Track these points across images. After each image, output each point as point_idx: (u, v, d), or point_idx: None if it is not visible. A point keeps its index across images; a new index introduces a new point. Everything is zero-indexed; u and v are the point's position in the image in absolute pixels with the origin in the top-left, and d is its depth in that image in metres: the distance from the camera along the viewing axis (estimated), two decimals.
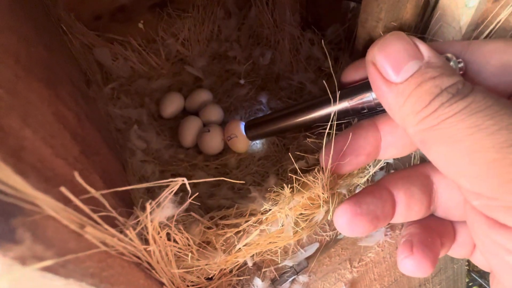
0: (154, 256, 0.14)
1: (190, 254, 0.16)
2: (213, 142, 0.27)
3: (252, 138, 0.26)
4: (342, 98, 0.19)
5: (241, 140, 0.27)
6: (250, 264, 0.21)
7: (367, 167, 0.23)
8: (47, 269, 0.07)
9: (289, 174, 0.22)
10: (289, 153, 0.22)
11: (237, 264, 0.21)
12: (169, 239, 0.15)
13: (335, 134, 0.18)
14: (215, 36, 0.35)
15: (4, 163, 0.07)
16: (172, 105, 0.30)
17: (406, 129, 0.14)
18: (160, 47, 0.32)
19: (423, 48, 0.14)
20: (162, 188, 0.14)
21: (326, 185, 0.20)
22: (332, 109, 0.19)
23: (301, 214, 0.21)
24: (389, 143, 0.17)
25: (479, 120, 0.11)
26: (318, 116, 0.20)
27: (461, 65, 0.15)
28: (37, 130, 0.10)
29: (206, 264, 0.17)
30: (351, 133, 0.17)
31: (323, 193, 0.20)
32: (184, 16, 0.33)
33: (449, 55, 0.15)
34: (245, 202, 0.21)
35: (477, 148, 0.11)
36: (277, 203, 0.20)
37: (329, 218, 0.23)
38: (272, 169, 0.26)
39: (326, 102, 0.20)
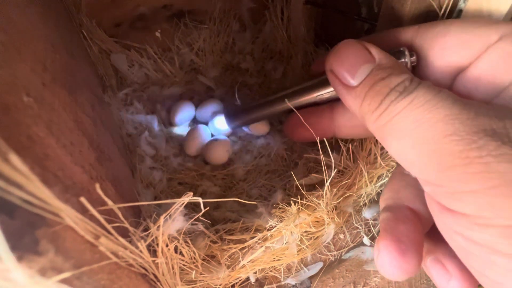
0: (160, 268, 0.14)
1: (195, 269, 0.16)
2: (219, 151, 0.27)
3: (232, 125, 0.28)
4: (308, 92, 0.21)
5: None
6: (252, 280, 0.21)
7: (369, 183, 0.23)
8: (63, 281, 0.07)
9: (296, 191, 0.22)
10: (292, 172, 0.23)
11: (240, 280, 0.20)
12: (175, 252, 0.15)
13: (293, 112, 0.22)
14: (229, 48, 0.35)
15: (32, 174, 0.07)
16: (183, 113, 0.31)
17: (368, 127, 0.15)
18: (175, 56, 0.33)
19: (374, 51, 0.15)
20: (169, 197, 0.14)
21: (328, 204, 0.20)
22: (304, 99, 0.22)
23: (306, 231, 0.21)
24: (341, 123, 0.21)
25: (420, 114, 0.12)
26: (293, 106, 0.22)
27: (413, 58, 0.16)
28: (59, 137, 0.11)
29: (210, 279, 0.17)
30: (305, 111, 0.20)
31: (327, 214, 0.20)
32: (201, 27, 0.33)
33: (402, 48, 0.16)
34: (251, 217, 0.21)
35: (420, 141, 0.12)
36: (282, 219, 0.20)
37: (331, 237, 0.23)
38: (280, 183, 0.26)
39: (299, 93, 0.22)
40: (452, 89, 0.15)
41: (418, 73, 0.17)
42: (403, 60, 0.16)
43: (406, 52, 0.16)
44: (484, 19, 0.15)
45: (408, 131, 0.12)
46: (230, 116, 0.27)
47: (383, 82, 0.14)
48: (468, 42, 0.14)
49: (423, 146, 0.12)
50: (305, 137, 0.23)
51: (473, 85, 0.14)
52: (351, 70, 0.15)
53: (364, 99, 0.14)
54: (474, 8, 0.17)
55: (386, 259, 0.13)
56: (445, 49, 0.15)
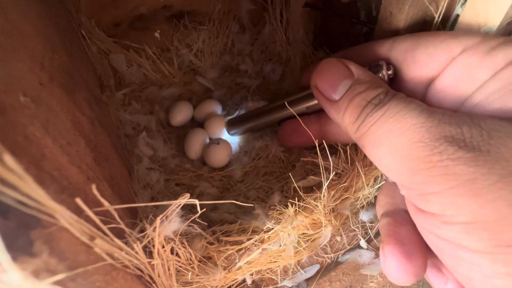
0: (156, 270, 0.14)
1: (191, 271, 0.15)
2: (220, 155, 0.27)
3: (232, 133, 0.29)
4: (299, 103, 0.23)
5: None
6: (249, 282, 0.21)
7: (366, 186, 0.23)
8: (57, 282, 0.07)
9: (293, 193, 0.22)
10: (290, 173, 0.23)
11: (236, 281, 0.20)
12: (171, 253, 0.15)
13: (286, 121, 0.25)
14: (228, 50, 0.35)
15: (27, 175, 0.07)
16: (181, 113, 0.31)
17: (351, 136, 0.16)
18: (174, 57, 0.33)
19: (353, 67, 0.16)
20: (166, 198, 0.14)
21: (325, 206, 0.20)
22: (295, 109, 0.24)
23: (303, 233, 0.21)
24: (328, 131, 0.23)
25: (391, 125, 0.13)
26: (286, 115, 0.25)
27: (390, 71, 0.17)
28: (56, 138, 0.10)
29: (206, 281, 0.17)
30: (294, 121, 0.22)
31: (324, 216, 0.20)
32: (200, 28, 0.33)
33: (380, 62, 0.17)
34: (248, 218, 0.21)
35: (393, 148, 0.13)
36: (280, 221, 0.20)
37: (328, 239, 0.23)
38: (277, 185, 0.26)
39: (292, 104, 0.24)
40: (425, 99, 0.16)
41: (396, 84, 0.17)
42: (381, 73, 0.17)
43: (384, 66, 0.17)
44: (450, 32, 0.16)
45: (382, 139, 0.13)
46: (229, 124, 0.29)
47: (360, 96, 0.15)
48: (434, 55, 0.15)
49: (395, 153, 0.13)
50: (296, 142, 0.25)
51: (442, 95, 0.15)
52: (333, 85, 0.16)
53: (345, 112, 0.15)
54: (471, 13, 0.17)
55: (393, 264, 0.14)
56: (415, 62, 0.16)
